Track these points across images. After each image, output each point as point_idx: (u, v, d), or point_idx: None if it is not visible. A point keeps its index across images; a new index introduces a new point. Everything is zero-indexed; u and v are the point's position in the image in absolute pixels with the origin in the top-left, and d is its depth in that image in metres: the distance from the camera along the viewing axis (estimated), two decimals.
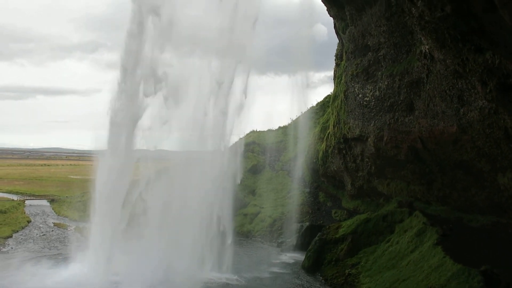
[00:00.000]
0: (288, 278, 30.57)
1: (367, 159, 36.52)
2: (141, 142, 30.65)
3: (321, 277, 30.35)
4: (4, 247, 37.45)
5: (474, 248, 24.96)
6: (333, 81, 48.40)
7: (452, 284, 20.90)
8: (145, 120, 30.45)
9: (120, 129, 29.50)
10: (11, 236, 41.73)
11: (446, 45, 18.77)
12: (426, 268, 23.63)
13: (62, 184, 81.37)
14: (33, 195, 68.81)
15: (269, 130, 64.42)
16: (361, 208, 40.21)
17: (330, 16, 38.02)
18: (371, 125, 33.28)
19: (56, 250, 36.85)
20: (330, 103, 46.30)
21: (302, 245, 37.61)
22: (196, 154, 32.81)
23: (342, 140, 39.49)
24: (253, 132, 64.88)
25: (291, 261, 35.55)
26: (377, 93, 31.41)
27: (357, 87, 34.22)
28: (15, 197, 63.85)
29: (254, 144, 60.87)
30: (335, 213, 43.58)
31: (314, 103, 60.32)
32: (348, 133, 37.67)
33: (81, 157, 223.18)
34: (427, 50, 23.47)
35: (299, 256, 35.63)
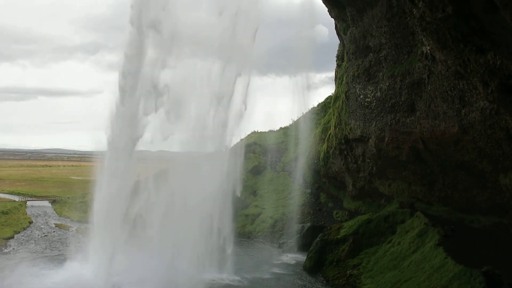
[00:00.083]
0: (289, 279, 30.57)
1: (369, 160, 36.50)
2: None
3: (322, 278, 30.31)
4: (5, 248, 37.53)
5: (476, 249, 24.94)
6: (334, 82, 48.40)
7: (453, 285, 20.84)
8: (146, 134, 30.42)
9: (119, 154, 29.42)
10: (12, 237, 41.81)
11: (447, 46, 18.77)
12: (427, 269, 23.57)
13: (63, 185, 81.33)
14: (35, 196, 68.78)
15: (270, 131, 64.27)
16: (363, 208, 40.18)
17: (331, 17, 38.05)
18: (373, 126, 33.27)
19: (57, 251, 36.90)
20: (331, 104, 46.32)
21: (303, 246, 37.52)
22: (197, 154, 32.83)
23: (343, 141, 39.49)
24: (254, 133, 64.76)
25: (293, 262, 35.51)
26: (378, 94, 31.40)
27: (358, 88, 34.23)
28: (16, 198, 63.86)
29: (255, 145, 60.79)
30: (336, 213, 43.57)
31: (315, 104, 60.43)
32: (349, 134, 37.66)
33: (83, 158, 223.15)
34: (428, 51, 23.46)
35: (301, 257, 35.57)
